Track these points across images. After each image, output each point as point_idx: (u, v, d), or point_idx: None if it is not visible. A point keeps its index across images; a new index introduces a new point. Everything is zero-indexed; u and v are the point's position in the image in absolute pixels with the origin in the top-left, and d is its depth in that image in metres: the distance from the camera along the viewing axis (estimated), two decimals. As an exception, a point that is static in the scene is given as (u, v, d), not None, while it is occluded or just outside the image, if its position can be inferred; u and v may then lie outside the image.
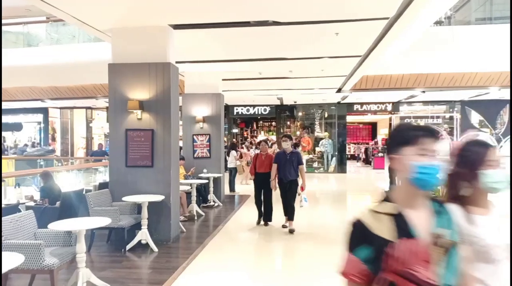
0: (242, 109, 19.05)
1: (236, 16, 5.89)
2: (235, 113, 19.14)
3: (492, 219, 1.82)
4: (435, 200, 1.48)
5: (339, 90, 14.45)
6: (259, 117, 20.92)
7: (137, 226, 6.02)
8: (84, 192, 6.98)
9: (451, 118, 18.86)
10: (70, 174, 10.51)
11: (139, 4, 5.47)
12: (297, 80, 11.50)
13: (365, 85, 14.11)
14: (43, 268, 3.88)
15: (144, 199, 5.97)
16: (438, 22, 11.92)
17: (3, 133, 18.30)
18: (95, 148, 19.61)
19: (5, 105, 16.82)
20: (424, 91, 14.94)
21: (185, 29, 6.38)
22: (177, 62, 6.68)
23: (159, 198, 6.05)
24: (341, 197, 12.54)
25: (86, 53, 11.85)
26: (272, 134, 22.39)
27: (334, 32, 6.65)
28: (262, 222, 7.60)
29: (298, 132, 19.53)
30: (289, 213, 7.08)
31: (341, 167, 18.67)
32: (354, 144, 27.07)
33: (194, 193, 8.39)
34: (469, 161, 1.82)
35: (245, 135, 22.76)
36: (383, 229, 1.37)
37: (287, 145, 7.08)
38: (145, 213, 5.94)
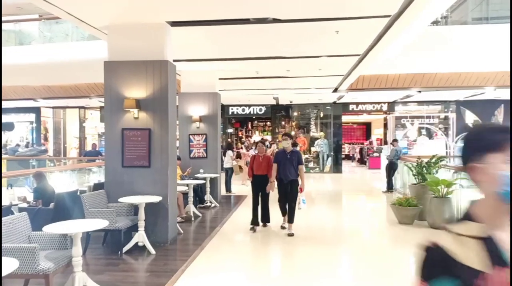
0: (237, 109, 18.93)
1: (235, 13, 5.76)
2: (230, 113, 19.02)
3: None
4: None
5: (335, 90, 14.39)
6: (254, 117, 20.81)
7: (134, 228, 5.88)
8: (78, 193, 6.82)
9: (446, 118, 18.91)
10: (63, 174, 10.31)
11: (136, 1, 5.33)
12: (294, 79, 11.40)
13: (361, 85, 14.06)
14: (38, 273, 3.73)
15: (141, 200, 5.83)
16: (435, 22, 11.89)
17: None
18: (88, 147, 19.38)
19: (-4, 104, 16.53)
20: (420, 91, 14.92)
21: (183, 27, 6.25)
22: (173, 60, 6.55)
23: (156, 199, 5.91)
24: (338, 197, 12.46)
25: (80, 52, 11.63)
26: (267, 134, 22.30)
27: (334, 30, 6.56)
28: (255, 227, 7.18)
29: (293, 132, 19.45)
30: (290, 215, 6.89)
31: (336, 167, 18.62)
32: (348, 144, 27.06)
33: (191, 194, 8.25)
34: None
35: (240, 135, 22.65)
36: (472, 256, 1.11)
37: (287, 144, 6.92)
38: (142, 214, 5.80)
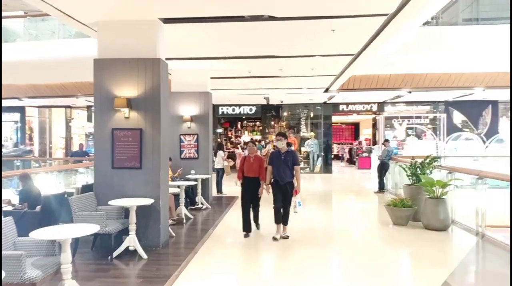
0: (227, 109, 18.76)
1: (230, 9, 5.60)
2: (220, 113, 18.83)
3: None
4: None
5: (326, 90, 14.33)
6: (244, 117, 20.66)
7: (125, 232, 5.66)
8: (65, 195, 6.59)
9: (434, 118, 19.02)
10: (49, 175, 10.01)
11: (127, -5, 5.15)
12: (286, 79, 11.29)
13: (352, 85, 14.03)
14: (24, 282, 3.51)
15: (132, 202, 5.62)
16: (426, 23, 11.92)
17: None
18: (74, 148, 18.99)
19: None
20: (410, 92, 14.96)
21: (176, 23, 6.06)
22: (165, 59, 6.35)
23: (148, 201, 5.71)
24: (330, 198, 12.39)
25: (67, 50, 11.33)
26: (256, 134, 22.17)
27: (330, 29, 6.45)
28: (249, 233, 6.81)
29: (282, 133, 19.29)
30: (284, 217, 6.57)
31: (326, 167, 18.60)
32: (337, 144, 27.10)
33: (182, 195, 8.06)
34: None
35: (229, 135, 22.47)
36: None
37: (282, 144, 6.55)
38: (133, 217, 5.59)
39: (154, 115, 5.95)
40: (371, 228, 8.08)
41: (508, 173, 6.70)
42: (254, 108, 18.80)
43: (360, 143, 24.61)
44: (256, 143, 8.66)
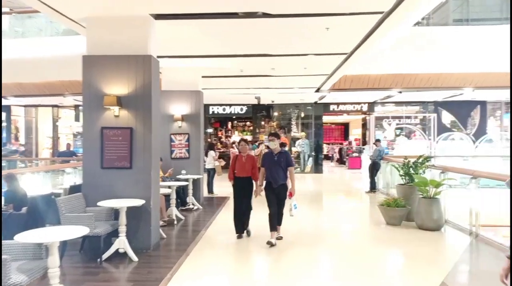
0: (218, 108, 18.62)
1: (224, 5, 5.47)
2: (210, 112, 18.67)
3: None
4: None
5: (317, 90, 14.28)
6: (234, 117, 20.55)
7: (114, 233, 5.50)
8: (53, 196, 6.39)
9: (424, 118, 19.12)
10: (35, 176, 9.76)
11: (118, -10, 4.99)
12: (278, 78, 11.20)
13: (343, 85, 14.01)
14: (10, 287, 3.34)
15: (122, 203, 5.46)
16: (416, 23, 11.95)
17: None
18: (62, 148, 18.64)
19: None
20: (400, 92, 15.00)
21: (168, 20, 5.91)
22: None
23: (139, 202, 5.55)
24: (322, 198, 12.32)
25: (54, 48, 11.09)
26: (247, 134, 22.05)
27: (325, 27, 6.37)
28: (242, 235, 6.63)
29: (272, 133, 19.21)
30: (279, 218, 6.33)
31: (317, 167, 18.57)
32: (327, 144, 27.13)
33: (173, 196, 7.89)
34: None
35: (220, 135, 22.32)
36: None
37: (274, 145, 6.27)
38: (123, 219, 5.43)
39: (145, 114, 5.80)
40: (364, 228, 8.03)
41: (500, 172, 6.71)
42: (245, 108, 18.69)
43: (350, 143, 24.66)
44: (250, 144, 8.36)
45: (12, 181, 6.03)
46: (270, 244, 6.02)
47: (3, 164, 13.27)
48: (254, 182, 6.53)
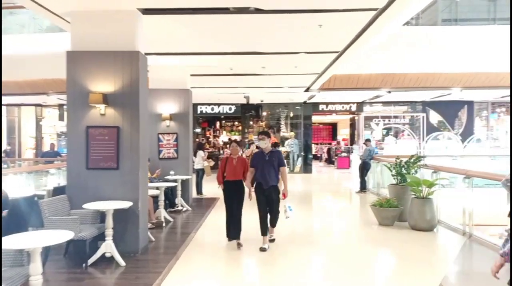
0: (206, 108, 18.39)
1: (215, 0, 5.29)
2: (199, 112, 18.42)
3: None
4: None
5: (307, 89, 14.18)
6: (223, 117, 20.35)
7: (100, 237, 5.27)
8: (36, 198, 6.12)
9: (412, 118, 19.19)
10: (18, 177, 9.42)
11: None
12: (268, 77, 11.04)
13: (333, 84, 13.94)
14: (-13, 297, 3.12)
15: (108, 206, 5.23)
16: (406, 22, 11.94)
17: None
18: (45, 148, 18.18)
19: None
20: (390, 92, 14.99)
21: (156, 15, 5.70)
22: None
23: (126, 204, 5.32)
24: (313, 198, 12.19)
25: (37, 45, 10.73)
26: (235, 134, 21.87)
27: (317, 24, 6.23)
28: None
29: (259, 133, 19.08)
30: (272, 219, 6.11)
31: (306, 167, 18.49)
32: (315, 144, 27.10)
33: (162, 197, 7.68)
34: None
35: (208, 135, 22.09)
36: None
37: (265, 144, 5.97)
38: (109, 222, 5.20)
39: (133, 112, 5.58)
40: (357, 229, 7.91)
41: (493, 172, 6.67)
42: (233, 108, 18.50)
43: (338, 143, 24.65)
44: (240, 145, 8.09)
45: (-8, 182, 5.75)
46: (263, 250, 5.82)
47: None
48: (246, 186, 6.19)
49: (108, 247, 5.18)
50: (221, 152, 18.95)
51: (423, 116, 17.90)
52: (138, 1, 5.34)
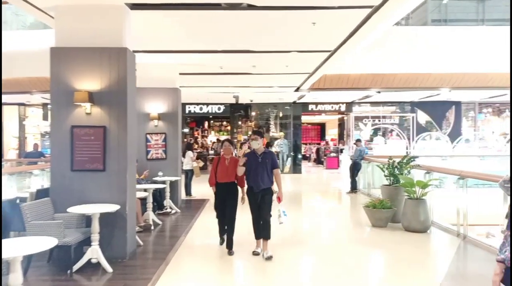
0: (194, 107, 18.13)
1: (206, -5, 5.10)
2: (187, 111, 18.15)
3: None
4: None
5: (297, 89, 14.06)
6: (211, 116, 20.13)
7: (86, 242, 5.03)
8: (18, 201, 5.86)
9: (402, 118, 19.23)
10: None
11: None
12: (258, 77, 10.87)
13: (323, 84, 13.85)
14: (-38, 311, 2.88)
15: (94, 209, 4.99)
16: (396, 23, 11.90)
17: None
18: (29, 148, 17.72)
19: None
20: (379, 92, 14.97)
21: (144, 10, 5.48)
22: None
23: (113, 207, 5.09)
24: (304, 199, 12.05)
25: (20, 42, 10.37)
26: (223, 134, 21.68)
27: (311, 22, 6.08)
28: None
29: (250, 132, 18.97)
30: (265, 230, 5.57)
31: (295, 167, 18.40)
32: (304, 144, 27.05)
33: (150, 200, 7.45)
34: None
35: (196, 135, 21.86)
36: None
37: (258, 144, 5.57)
38: (95, 226, 4.97)
39: (120, 111, 5.35)
40: (350, 230, 7.79)
41: (483, 172, 6.65)
42: (222, 107, 18.29)
43: (327, 143, 24.63)
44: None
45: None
46: (256, 254, 5.62)
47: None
48: (239, 188, 5.87)
49: (94, 253, 4.95)
50: (210, 152, 18.72)
51: (412, 117, 17.91)
52: (126, -5, 5.12)
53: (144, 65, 8.80)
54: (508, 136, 18.19)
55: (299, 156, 18.79)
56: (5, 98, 16.03)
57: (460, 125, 18.91)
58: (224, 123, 21.89)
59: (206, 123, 22.11)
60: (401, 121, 19.16)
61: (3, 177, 9.08)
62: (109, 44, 5.28)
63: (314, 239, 6.98)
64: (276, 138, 18.54)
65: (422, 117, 18.94)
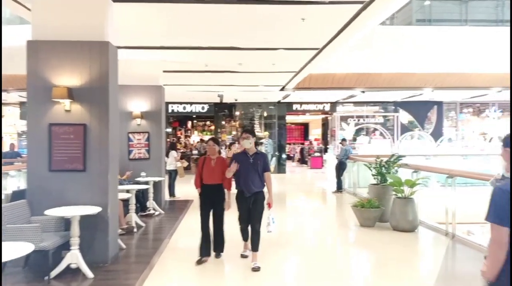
0: (178, 107, 17.82)
1: (192, -13, 4.90)
2: (170, 111, 17.83)
3: None
4: None
5: (282, 89, 13.94)
6: (195, 116, 19.84)
7: (65, 246, 4.77)
8: (-9, 204, 5.53)
9: (385, 117, 19.33)
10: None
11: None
12: (244, 75, 10.69)
13: (308, 84, 13.75)
14: None
15: (74, 212, 4.73)
16: (381, 22, 11.89)
17: None
18: (5, 148, 17.12)
19: None
20: (364, 92, 14.98)
21: (127, 2, 5.25)
22: (113, 46, 5.50)
23: (94, 210, 4.84)
24: (289, 199, 11.92)
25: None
26: (207, 134, 21.40)
27: (300, 18, 5.94)
28: (206, 258, 5.36)
29: (234, 132, 18.80)
30: (253, 241, 5.11)
31: (280, 167, 18.30)
32: (288, 144, 27.00)
33: (133, 201, 7.18)
34: None
35: (179, 135, 21.52)
36: None
37: (249, 144, 5.14)
38: (75, 229, 4.71)
39: (101, 108, 5.10)
40: (338, 230, 7.69)
41: (478, 171, 6.63)
42: (206, 107, 18.05)
43: (311, 143, 24.62)
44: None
45: None
46: (244, 257, 5.44)
47: None
48: (226, 192, 5.40)
49: (73, 257, 4.69)
50: (193, 152, 18.42)
51: (396, 116, 18.02)
52: (108, -13, 4.88)
53: (126, 62, 8.50)
54: (487, 136, 18.55)
55: (284, 156, 18.70)
56: (-21, 96, 15.44)
57: (442, 125, 19.14)
58: (208, 123, 21.61)
59: (189, 123, 21.78)
60: (385, 121, 19.25)
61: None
62: (90, 38, 5.02)
63: (301, 240, 6.84)
64: (260, 138, 18.39)
65: (405, 117, 19.09)
